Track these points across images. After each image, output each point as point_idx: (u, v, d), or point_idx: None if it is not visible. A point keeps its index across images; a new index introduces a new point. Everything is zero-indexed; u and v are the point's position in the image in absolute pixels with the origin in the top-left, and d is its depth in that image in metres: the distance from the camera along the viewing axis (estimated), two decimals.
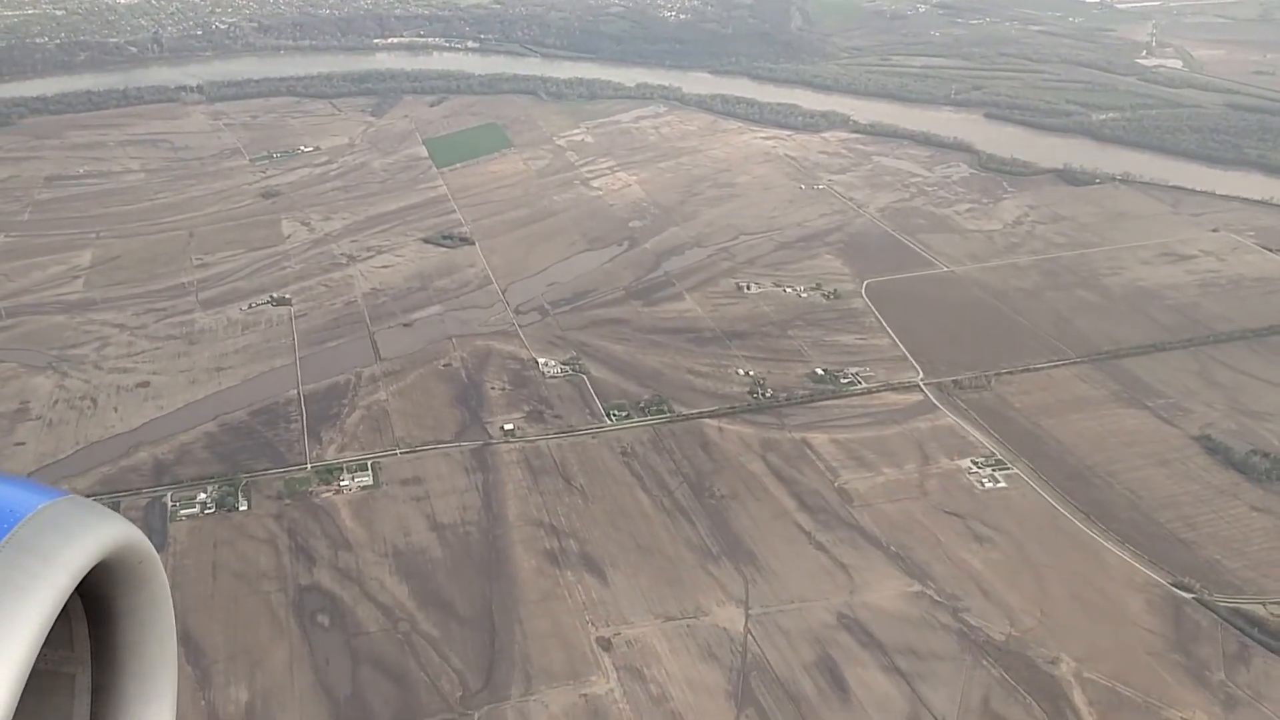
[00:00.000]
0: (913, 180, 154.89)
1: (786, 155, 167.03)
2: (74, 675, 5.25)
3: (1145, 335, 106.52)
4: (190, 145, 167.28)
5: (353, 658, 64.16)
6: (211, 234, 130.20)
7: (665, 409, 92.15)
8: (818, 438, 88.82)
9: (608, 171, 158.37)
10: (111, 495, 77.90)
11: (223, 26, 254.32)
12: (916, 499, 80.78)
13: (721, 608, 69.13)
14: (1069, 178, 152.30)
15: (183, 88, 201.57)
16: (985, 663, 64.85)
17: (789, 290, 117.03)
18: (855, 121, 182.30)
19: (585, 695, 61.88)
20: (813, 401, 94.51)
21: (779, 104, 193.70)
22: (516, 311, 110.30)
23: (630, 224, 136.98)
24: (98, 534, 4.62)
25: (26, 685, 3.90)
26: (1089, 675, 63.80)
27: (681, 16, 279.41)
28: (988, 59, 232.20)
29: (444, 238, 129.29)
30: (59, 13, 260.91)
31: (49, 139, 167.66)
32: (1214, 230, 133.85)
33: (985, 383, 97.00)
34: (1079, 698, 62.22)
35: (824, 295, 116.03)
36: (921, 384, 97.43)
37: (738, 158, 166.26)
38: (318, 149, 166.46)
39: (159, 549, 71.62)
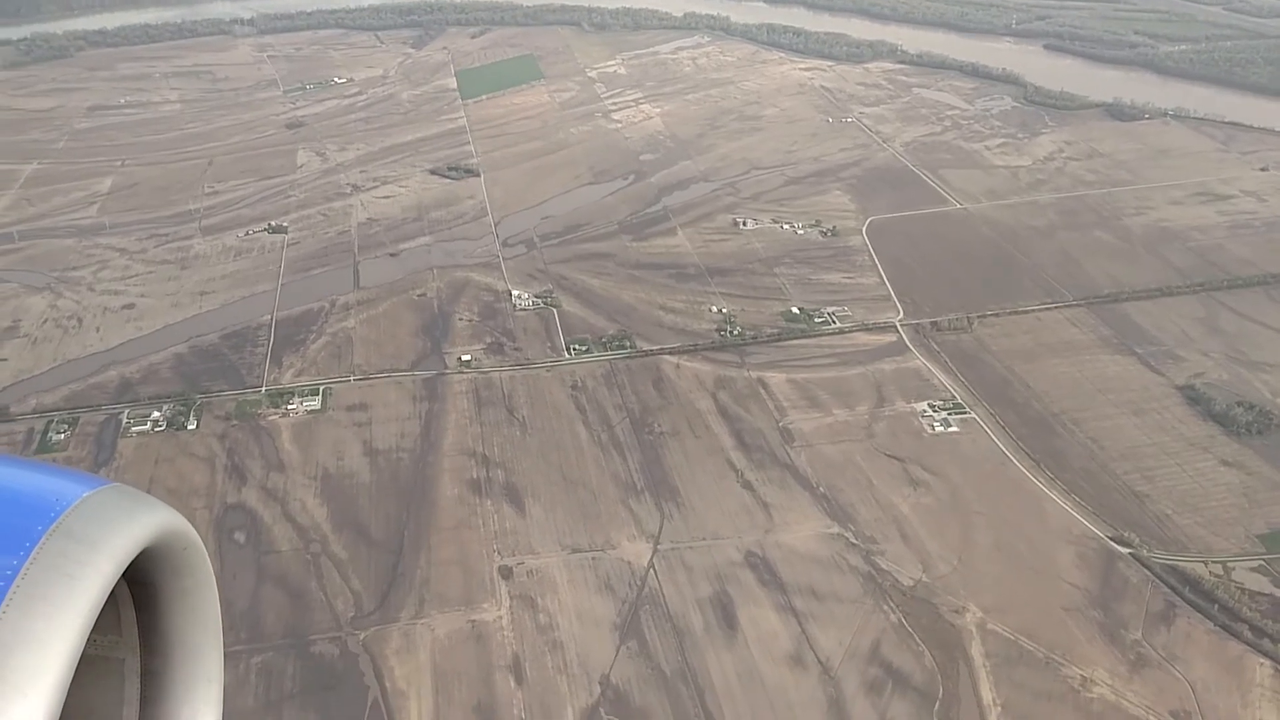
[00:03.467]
0: (949, 113, 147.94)
1: (822, 87, 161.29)
2: (123, 660, 5.35)
3: (1154, 279, 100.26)
4: (230, 77, 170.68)
5: (258, 574, 65.91)
6: (229, 163, 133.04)
7: (627, 344, 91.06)
8: (775, 377, 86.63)
9: (632, 104, 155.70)
10: (72, 410, 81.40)
11: None
12: (860, 441, 78.30)
13: (632, 542, 68.57)
14: (1117, 112, 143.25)
15: (236, 20, 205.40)
16: (885, 608, 62.93)
17: (785, 227, 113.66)
18: (903, 51, 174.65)
19: (473, 621, 62.38)
20: (780, 340, 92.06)
21: (827, 33, 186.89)
22: (504, 244, 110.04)
23: (641, 157, 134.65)
24: (142, 521, 4.69)
25: (77, 670, 3.98)
26: (993, 627, 61.31)
27: None
28: None
29: (450, 169, 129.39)
30: None
31: (100, 70, 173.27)
32: (1262, 169, 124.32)
33: (966, 325, 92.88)
34: (976, 649, 59.92)
35: (821, 233, 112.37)
36: (899, 324, 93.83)
37: (770, 89, 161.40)
38: (351, 80, 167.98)
39: (106, 464, 75.03)
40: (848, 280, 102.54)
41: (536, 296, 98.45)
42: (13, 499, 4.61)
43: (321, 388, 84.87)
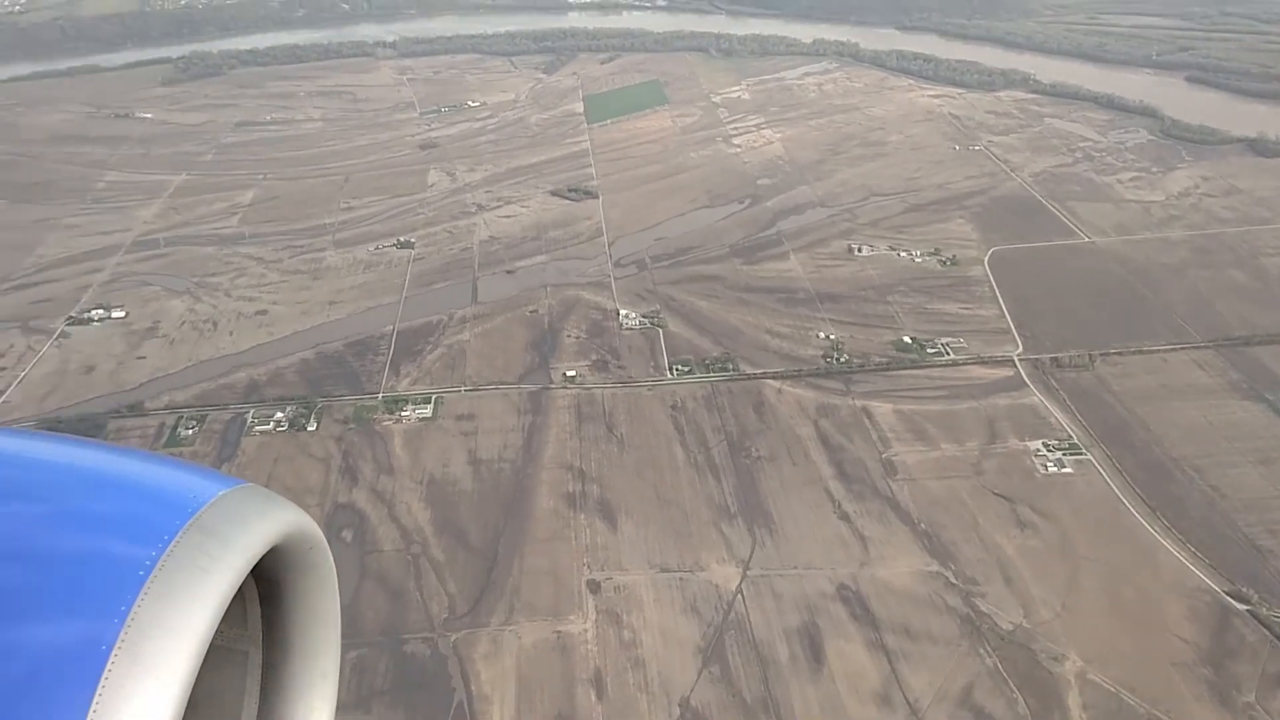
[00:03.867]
0: (1081, 144, 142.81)
1: (950, 114, 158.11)
2: (247, 653, 5.55)
3: None
4: (371, 98, 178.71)
5: (361, 572, 68.38)
6: (364, 180, 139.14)
7: (730, 367, 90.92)
8: (881, 407, 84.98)
9: (753, 129, 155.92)
10: (201, 408, 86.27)
11: None
12: (967, 478, 75.94)
13: (721, 566, 68.20)
14: (1260, 148, 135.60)
15: (379, 43, 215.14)
16: (981, 651, 60.72)
17: (903, 254, 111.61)
18: (1036, 81, 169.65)
19: (559, 632, 63.12)
20: (889, 369, 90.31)
21: (958, 61, 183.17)
22: (617, 264, 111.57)
23: (758, 181, 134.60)
24: (272, 520, 4.93)
25: (205, 659, 4.23)
26: (1093, 677, 58.41)
27: None
28: (1208, 19, 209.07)
29: (570, 191, 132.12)
30: None
31: (249, 88, 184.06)
32: None
33: (1087, 362, 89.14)
34: (1074, 699, 57.19)
35: (940, 261, 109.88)
36: (1016, 359, 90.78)
37: (896, 116, 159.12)
38: (484, 104, 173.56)
39: (229, 460, 79.26)
40: (965, 311, 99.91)
41: (644, 316, 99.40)
42: (154, 494, 4.88)
43: (434, 397, 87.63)
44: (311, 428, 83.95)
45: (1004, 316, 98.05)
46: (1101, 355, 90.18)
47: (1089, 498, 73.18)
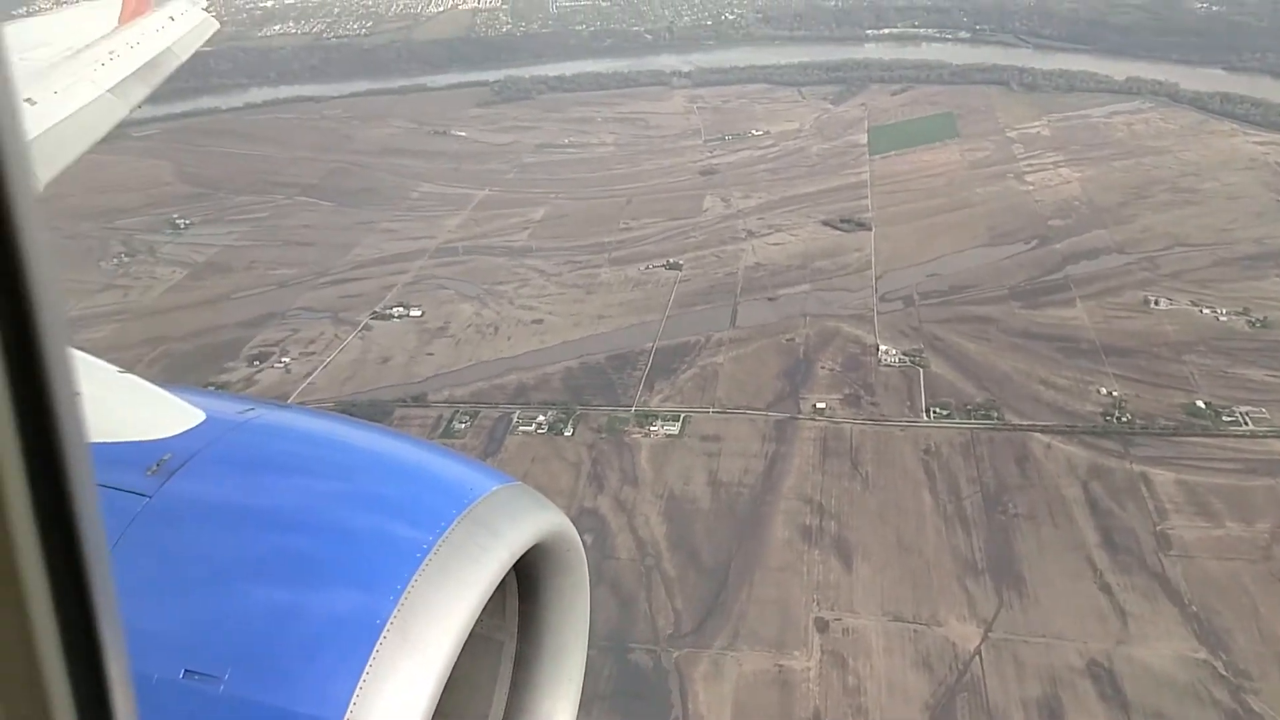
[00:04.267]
0: None
1: (1277, 163, 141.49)
2: (502, 643, 5.76)
3: None
4: (661, 125, 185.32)
5: (597, 577, 70.79)
6: (645, 203, 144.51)
7: (994, 415, 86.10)
8: (1161, 475, 77.31)
9: (1050, 167, 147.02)
10: (475, 405, 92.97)
11: (731, 18, 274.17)
12: (1254, 562, 67.52)
13: (961, 623, 64.66)
14: None
15: (676, 73, 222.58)
16: None
17: (1206, 311, 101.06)
18: None
19: (781, 665, 62.33)
20: (1176, 435, 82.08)
21: None
22: (882, 299, 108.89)
23: (1049, 222, 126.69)
24: (537, 519, 5.17)
25: (465, 644, 4.47)
26: None
27: (1214, 8, 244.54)
28: None
29: (842, 221, 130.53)
30: (604, 4, 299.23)
31: (553, 113, 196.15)
32: None
33: None
34: None
35: (1249, 322, 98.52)
36: None
37: (1213, 162, 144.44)
38: (767, 133, 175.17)
39: (492, 455, 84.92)
40: (1273, 379, 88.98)
41: (904, 354, 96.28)
42: (435, 483, 5.23)
43: (682, 415, 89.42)
44: (568, 433, 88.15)
45: None
46: None
47: None
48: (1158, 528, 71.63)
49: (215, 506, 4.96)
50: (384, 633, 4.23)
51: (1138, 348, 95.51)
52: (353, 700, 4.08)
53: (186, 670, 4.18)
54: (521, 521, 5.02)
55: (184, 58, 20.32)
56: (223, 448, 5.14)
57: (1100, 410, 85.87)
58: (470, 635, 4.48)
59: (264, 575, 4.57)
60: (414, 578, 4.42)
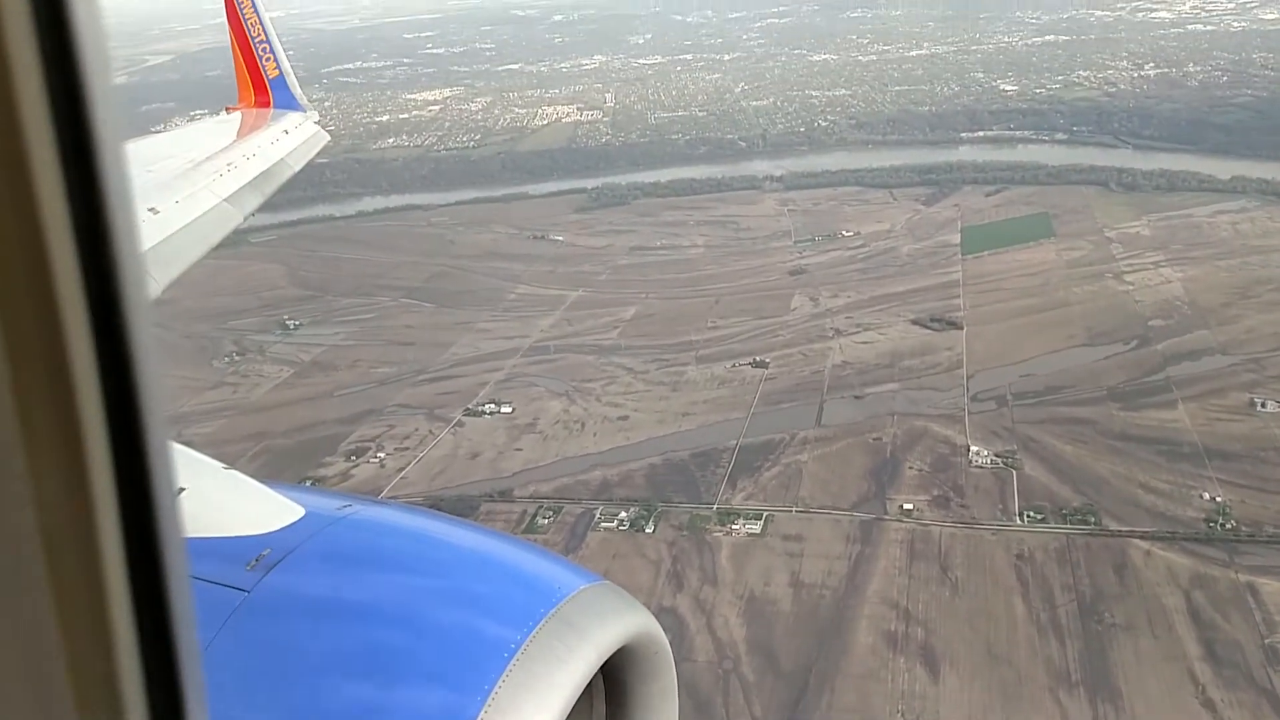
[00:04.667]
0: None
1: None
2: None
3: None
4: (752, 227, 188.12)
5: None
6: (733, 302, 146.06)
7: (1091, 520, 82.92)
8: (1270, 585, 73.02)
9: (1150, 266, 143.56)
10: (559, 500, 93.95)
11: (824, 124, 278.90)
12: None
13: None
14: None
15: (768, 177, 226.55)
16: None
17: None
18: None
19: None
20: None
21: None
22: (974, 399, 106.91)
23: (1149, 322, 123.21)
24: (625, 620, 5.08)
25: None
26: None
27: None
28: None
29: (932, 320, 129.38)
30: (700, 114, 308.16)
31: (647, 216, 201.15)
32: None
33: None
34: None
35: None
36: None
37: None
38: (857, 233, 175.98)
39: (574, 551, 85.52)
40: None
41: (996, 455, 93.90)
42: (523, 580, 5.18)
43: (765, 514, 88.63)
44: (649, 530, 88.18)
45: None
46: None
47: None
48: (1266, 641, 67.41)
49: (311, 602, 5.09)
50: None
51: (1243, 451, 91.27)
52: None
53: None
54: (609, 622, 4.95)
55: (297, 168, 21.61)
56: (320, 543, 5.26)
57: (1203, 516, 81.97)
58: None
59: (355, 672, 4.58)
60: (501, 678, 4.40)
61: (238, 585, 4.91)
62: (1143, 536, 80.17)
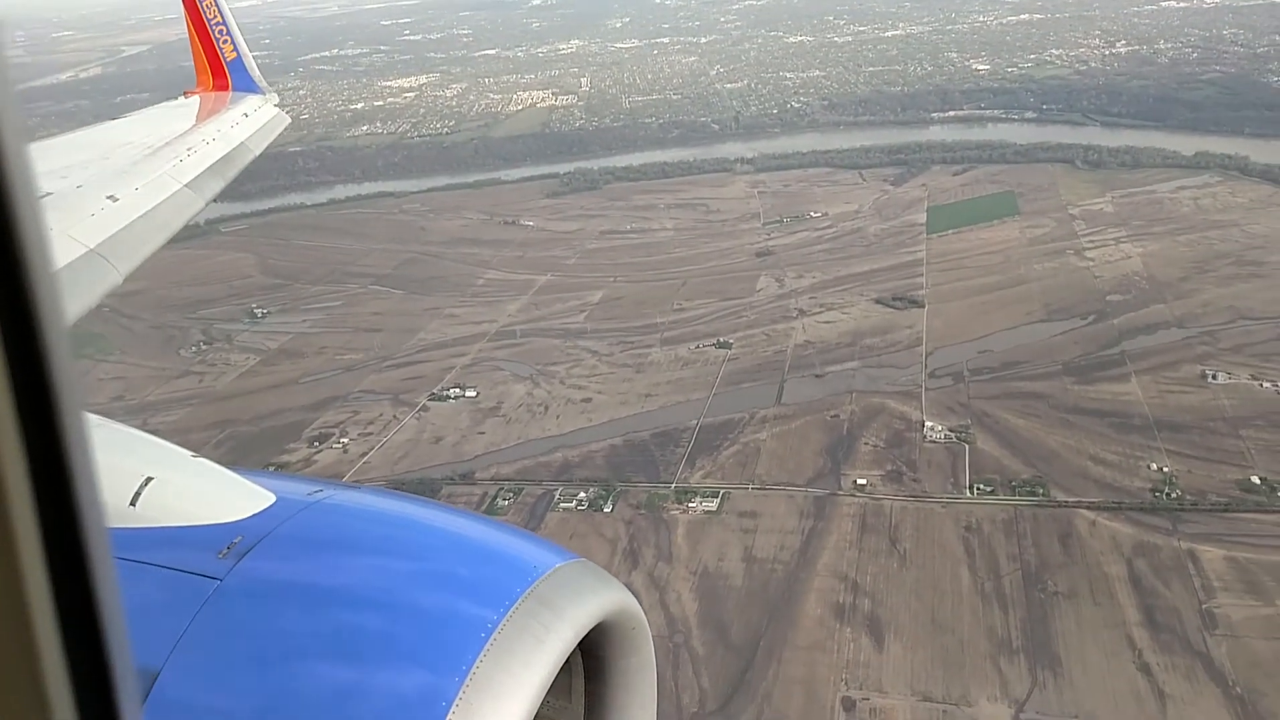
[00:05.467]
0: None
1: None
2: None
3: None
4: (721, 210, 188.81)
5: None
6: (699, 285, 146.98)
7: (1039, 492, 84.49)
8: (1210, 552, 74.71)
9: (1111, 242, 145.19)
10: (519, 482, 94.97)
11: (797, 105, 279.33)
12: None
13: (992, 703, 63.06)
14: None
15: (740, 160, 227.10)
16: None
17: (1266, 385, 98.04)
18: None
19: None
20: (1228, 511, 79.35)
21: None
22: (931, 375, 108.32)
23: (1107, 297, 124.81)
24: (602, 597, 5.13)
25: None
26: None
27: None
28: None
29: (895, 299, 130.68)
30: (675, 98, 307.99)
31: (618, 201, 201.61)
32: None
33: None
34: None
35: None
36: None
37: None
38: (825, 214, 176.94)
39: (533, 531, 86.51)
40: None
41: (950, 430, 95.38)
42: (500, 560, 5.21)
43: (722, 492, 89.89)
44: (607, 509, 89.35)
45: None
46: None
47: None
48: (1203, 606, 69.14)
49: (285, 588, 5.04)
50: (449, 715, 4.24)
51: (1191, 423, 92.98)
52: None
53: None
54: (586, 599, 4.99)
55: (258, 151, 21.35)
56: (292, 529, 5.24)
57: (1150, 486, 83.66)
58: (537, 717, 4.47)
59: (331, 656, 4.58)
60: (479, 658, 4.43)
61: (210, 574, 4.89)
62: (1089, 507, 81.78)
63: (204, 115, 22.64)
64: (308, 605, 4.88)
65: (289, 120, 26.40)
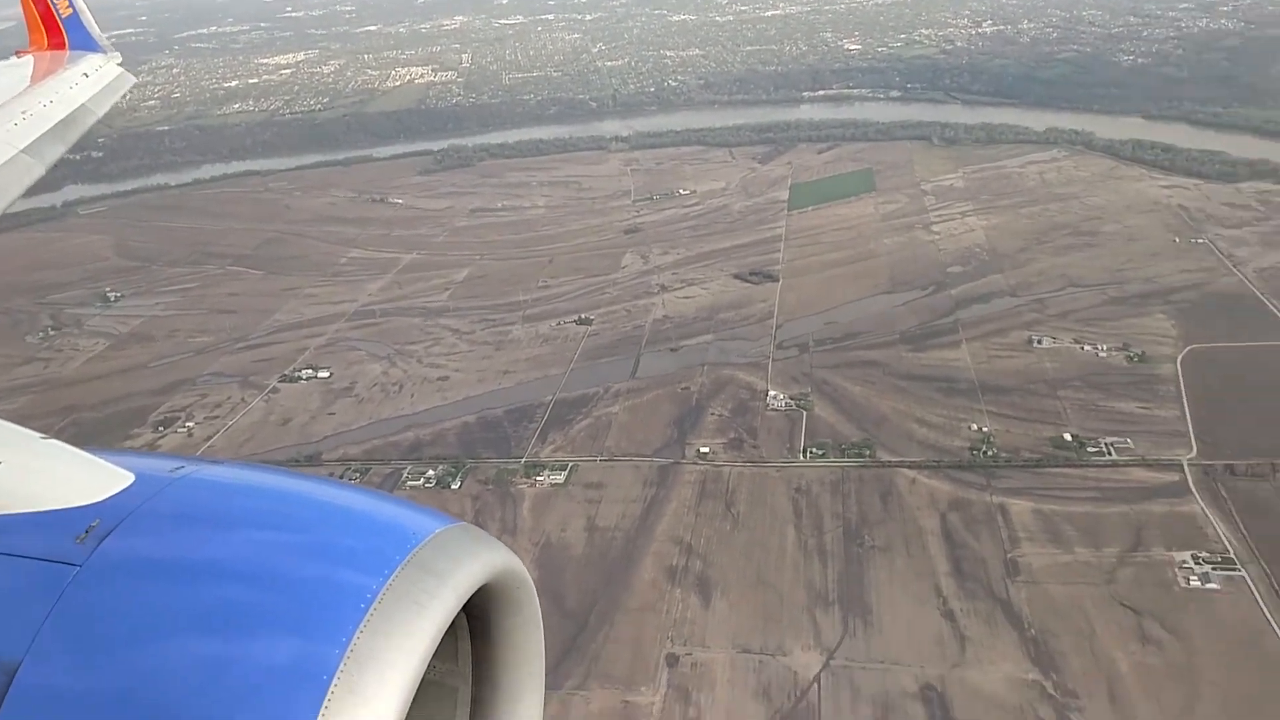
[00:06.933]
0: None
1: (1179, 206, 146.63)
2: (457, 689, 5.64)
3: None
4: (594, 187, 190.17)
5: None
6: (566, 262, 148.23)
7: (867, 454, 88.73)
8: (1019, 505, 79.86)
9: (957, 216, 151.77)
10: (366, 462, 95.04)
11: (674, 84, 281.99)
12: (1096, 585, 69.69)
13: (805, 652, 66.46)
14: None
15: (615, 137, 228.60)
16: None
17: (1087, 348, 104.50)
18: None
19: (627, 702, 63.92)
20: (1039, 467, 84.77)
21: (1200, 151, 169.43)
22: (779, 346, 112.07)
23: (949, 269, 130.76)
24: (484, 559, 5.09)
25: (418, 693, 4.40)
26: None
27: (1140, 60, 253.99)
28: None
29: (751, 274, 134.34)
30: (555, 75, 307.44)
31: (491, 178, 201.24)
32: None
33: (1269, 471, 79.52)
34: None
35: (1128, 357, 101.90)
36: (1186, 464, 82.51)
37: (1118, 206, 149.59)
38: (693, 192, 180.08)
39: None
40: (1142, 410, 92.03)
41: (791, 398, 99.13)
42: (377, 528, 5.15)
43: (570, 465, 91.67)
44: (455, 486, 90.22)
45: (1184, 418, 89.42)
46: None
47: (1231, 618, 65.05)
48: (1008, 555, 73.95)
49: (150, 568, 4.84)
50: (331, 687, 4.18)
51: (1014, 385, 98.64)
52: None
53: None
54: (467, 563, 4.97)
55: (100, 113, 20.10)
56: (154, 508, 5.07)
57: (968, 445, 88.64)
58: (423, 682, 4.45)
59: (205, 634, 4.44)
60: (359, 628, 4.38)
61: (68, 560, 4.71)
62: (911, 466, 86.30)
63: (39, 76, 20.83)
64: (175, 583, 4.71)
65: (134, 80, 24.70)
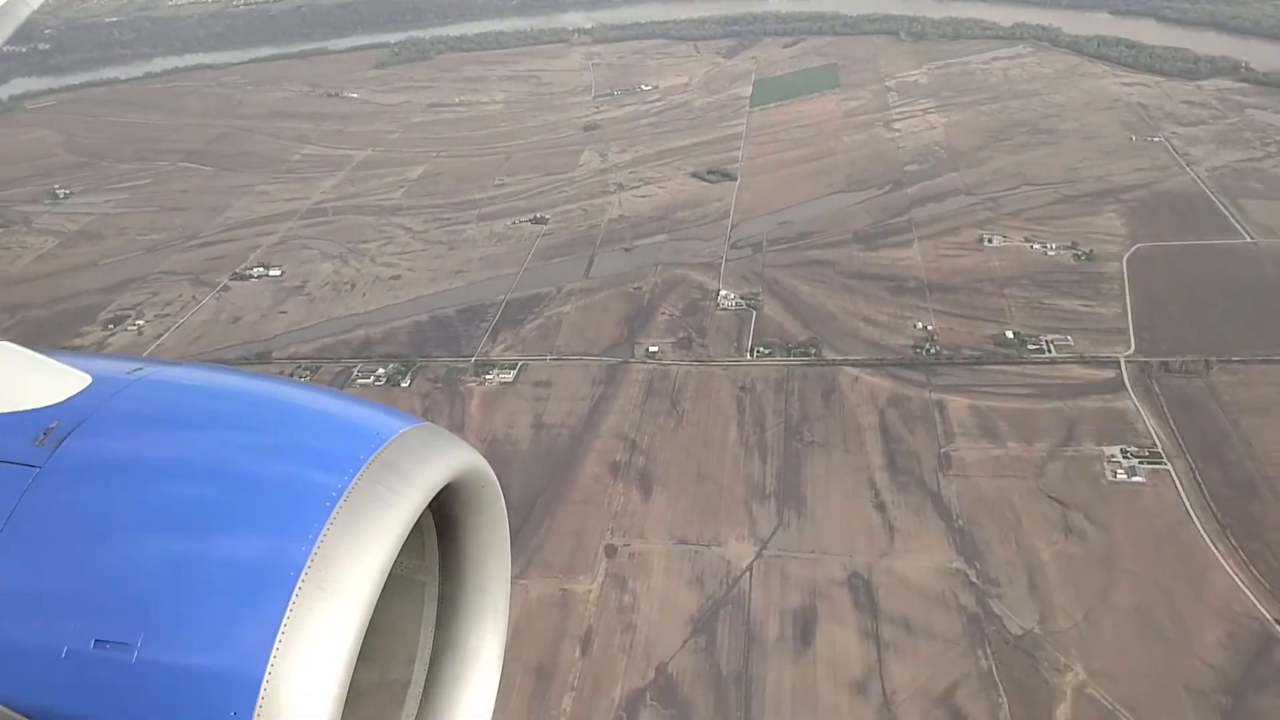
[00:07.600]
0: (1279, 138, 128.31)
1: (1138, 103, 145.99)
2: (424, 583, 5.78)
3: None
4: (554, 82, 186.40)
5: None
6: (524, 159, 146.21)
7: (813, 352, 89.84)
8: (956, 401, 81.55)
9: (919, 114, 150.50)
10: (317, 360, 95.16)
11: None
12: (1024, 479, 71.86)
13: (739, 543, 68.49)
14: None
15: (577, 30, 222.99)
16: (980, 652, 58.08)
17: (1036, 247, 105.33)
18: (1249, 69, 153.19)
19: (565, 590, 65.86)
20: (979, 364, 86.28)
21: (1164, 47, 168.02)
22: (733, 246, 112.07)
23: (906, 167, 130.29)
24: (448, 458, 5.17)
25: (386, 587, 4.49)
26: (1093, 692, 54.60)
27: None
28: None
29: (709, 173, 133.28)
30: None
31: (448, 72, 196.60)
32: None
33: (1202, 369, 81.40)
34: (1063, 712, 53.79)
35: (1075, 256, 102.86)
36: (1122, 360, 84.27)
37: (1078, 103, 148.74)
38: (655, 87, 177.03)
39: None
40: (1084, 308, 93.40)
41: (742, 298, 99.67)
42: (341, 428, 5.18)
43: (520, 363, 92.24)
44: (405, 384, 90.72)
45: (1125, 316, 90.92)
46: (1222, 362, 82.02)
47: (1153, 509, 67.48)
48: (942, 450, 75.84)
49: (112, 469, 4.83)
50: (299, 583, 4.26)
51: (962, 284, 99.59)
52: (272, 653, 4.13)
53: (97, 640, 4.16)
54: (431, 462, 5.06)
55: (35, 4, 18.84)
56: (113, 409, 5.04)
57: (912, 344, 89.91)
58: (391, 578, 4.54)
59: (170, 534, 4.47)
60: (326, 525, 4.44)
61: (26, 461, 4.71)
62: (855, 364, 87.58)
63: None
64: (139, 483, 4.71)
65: (34, 6, 23.32)
